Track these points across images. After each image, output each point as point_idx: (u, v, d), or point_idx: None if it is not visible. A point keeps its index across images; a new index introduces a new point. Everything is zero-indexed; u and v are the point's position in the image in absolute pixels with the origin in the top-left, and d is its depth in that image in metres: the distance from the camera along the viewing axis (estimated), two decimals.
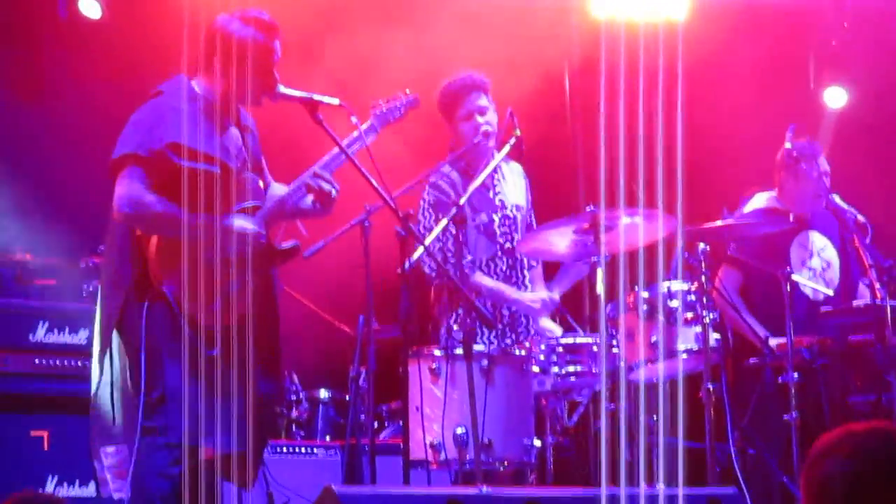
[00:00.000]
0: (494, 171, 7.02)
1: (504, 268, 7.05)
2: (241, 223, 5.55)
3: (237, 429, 5.39)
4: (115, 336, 5.46)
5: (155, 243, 5.42)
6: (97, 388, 5.49)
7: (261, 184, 5.74)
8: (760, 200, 7.87)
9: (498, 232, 7.04)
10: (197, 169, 5.42)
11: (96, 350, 5.54)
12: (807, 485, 3.10)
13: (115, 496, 5.48)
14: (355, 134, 5.83)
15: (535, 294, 7.05)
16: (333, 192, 5.73)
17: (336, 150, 5.76)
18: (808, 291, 7.62)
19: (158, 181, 5.41)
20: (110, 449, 5.43)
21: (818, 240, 7.85)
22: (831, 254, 7.85)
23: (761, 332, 7.38)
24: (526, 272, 7.12)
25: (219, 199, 5.48)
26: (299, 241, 6.03)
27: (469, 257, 6.84)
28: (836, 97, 9.57)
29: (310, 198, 5.76)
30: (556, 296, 7.10)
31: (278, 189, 5.84)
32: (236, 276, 5.51)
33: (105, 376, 5.46)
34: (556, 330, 7.16)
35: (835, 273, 7.83)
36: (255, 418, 5.53)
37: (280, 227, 5.86)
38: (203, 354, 5.36)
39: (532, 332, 7.04)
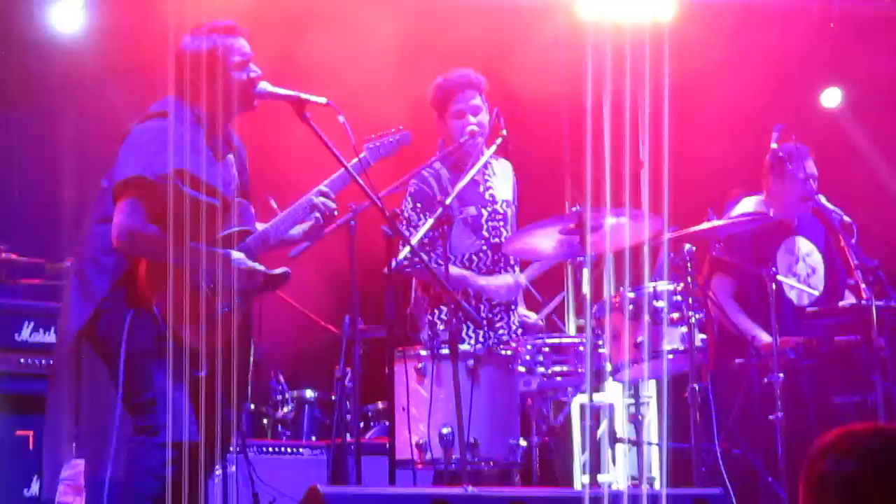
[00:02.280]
0: (484, 167, 7.02)
1: (488, 262, 7.04)
2: (239, 256, 5.57)
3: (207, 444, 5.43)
4: (84, 340, 5.44)
5: (145, 265, 5.42)
6: (58, 392, 5.48)
7: (252, 209, 5.76)
8: (748, 204, 7.87)
9: (485, 226, 7.04)
10: (199, 199, 5.42)
11: (59, 353, 5.53)
12: (806, 482, 3.11)
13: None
14: (351, 163, 5.87)
15: (500, 278, 7.04)
16: (336, 212, 5.80)
17: (336, 174, 5.82)
18: (792, 296, 7.64)
19: (160, 208, 5.38)
20: (76, 460, 5.43)
21: (804, 245, 7.86)
22: (816, 259, 7.86)
23: (756, 331, 7.40)
24: (511, 268, 7.12)
25: (212, 230, 5.49)
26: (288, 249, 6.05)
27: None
28: (831, 97, 9.62)
29: (298, 227, 5.79)
30: (522, 279, 7.10)
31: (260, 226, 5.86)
32: (222, 302, 5.51)
33: (67, 380, 5.45)
34: (532, 315, 7.16)
35: (819, 279, 7.84)
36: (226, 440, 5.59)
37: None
38: (192, 375, 5.37)
39: (514, 327, 7.05)
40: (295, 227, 5.82)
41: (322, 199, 5.77)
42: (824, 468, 3.09)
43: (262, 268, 5.63)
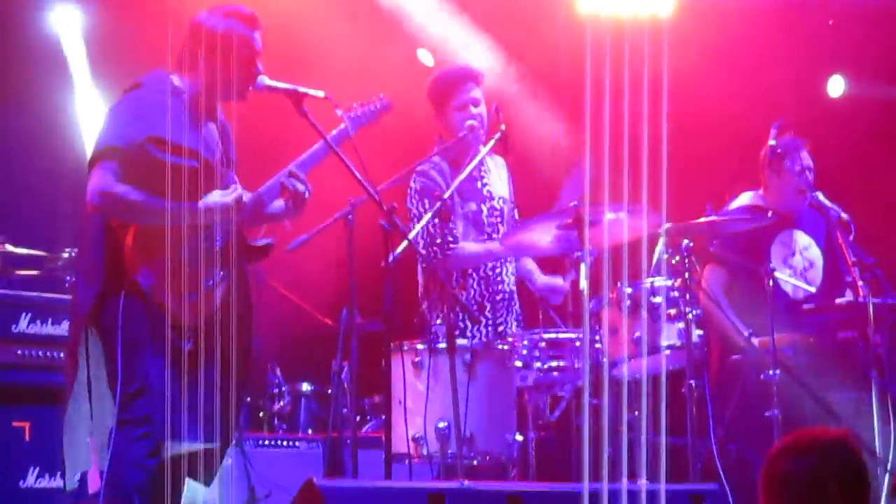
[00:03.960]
0: (481, 162, 7.03)
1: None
2: (216, 198, 5.52)
3: (204, 426, 5.39)
4: (90, 327, 5.44)
5: (132, 233, 5.41)
6: (73, 378, 5.48)
7: (237, 180, 5.74)
8: (745, 199, 7.87)
9: (486, 222, 7.05)
10: (178, 164, 5.40)
11: (72, 341, 5.53)
12: (767, 482, 3.18)
13: (91, 490, 5.47)
14: (334, 132, 5.85)
15: (555, 280, 7.08)
16: (307, 193, 5.72)
17: (316, 146, 5.78)
18: (788, 289, 7.64)
19: (135, 174, 5.37)
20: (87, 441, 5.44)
21: (802, 238, 7.86)
22: (815, 253, 7.86)
23: (744, 330, 7.39)
24: (509, 264, 7.13)
25: (199, 195, 5.46)
26: (283, 234, 6.03)
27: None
28: (836, 86, 9.63)
29: (278, 202, 5.75)
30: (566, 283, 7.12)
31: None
32: (211, 271, 5.49)
33: (81, 369, 5.44)
34: (558, 280, 7.13)
35: (818, 273, 7.84)
36: (220, 417, 5.52)
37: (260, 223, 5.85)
38: (179, 347, 5.35)
39: (515, 325, 7.06)
40: (272, 203, 5.78)
41: (292, 180, 5.73)
42: (786, 466, 3.18)
43: (245, 193, 5.58)
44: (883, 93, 9.56)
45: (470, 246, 6.93)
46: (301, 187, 5.70)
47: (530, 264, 7.31)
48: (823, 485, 3.16)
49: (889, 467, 6.81)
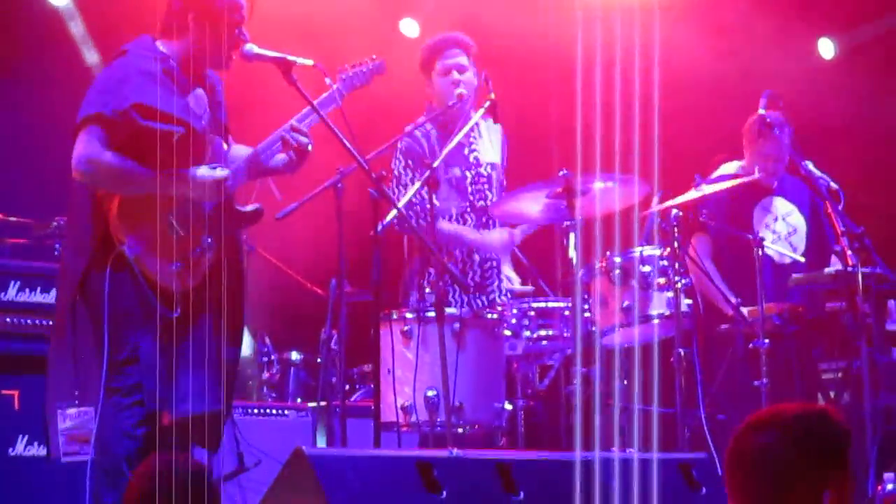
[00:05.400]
0: (471, 129, 7.01)
1: (473, 225, 7.04)
2: (204, 171, 5.50)
3: (199, 391, 5.37)
4: (78, 297, 5.44)
5: (116, 202, 5.39)
6: (58, 348, 5.48)
7: (224, 146, 5.71)
8: (729, 168, 7.89)
9: (469, 189, 7.03)
10: (162, 130, 5.38)
11: (59, 310, 5.53)
12: (729, 458, 3.19)
13: (65, 459, 5.47)
14: (323, 96, 5.83)
15: (494, 233, 7.03)
16: (309, 146, 5.71)
17: (307, 108, 5.75)
18: (772, 254, 7.65)
19: (119, 141, 5.36)
20: (71, 411, 5.42)
21: (783, 205, 7.89)
22: (798, 220, 7.88)
23: (733, 299, 7.41)
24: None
25: (183, 161, 5.44)
26: (273, 203, 6.01)
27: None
28: (826, 49, 9.65)
29: (280, 156, 5.73)
30: (517, 233, 7.08)
31: (241, 150, 5.79)
32: (198, 238, 5.47)
33: (68, 338, 5.43)
34: (515, 279, 7.15)
35: (801, 239, 7.86)
36: (218, 382, 5.50)
37: (253, 188, 5.83)
38: (168, 317, 5.33)
39: (503, 292, 7.05)
40: (273, 158, 5.75)
41: (295, 134, 5.71)
42: (747, 442, 3.17)
43: (225, 173, 5.57)
44: (873, 36, 9.58)
45: (444, 225, 6.89)
46: (304, 140, 5.68)
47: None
48: (782, 460, 3.15)
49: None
